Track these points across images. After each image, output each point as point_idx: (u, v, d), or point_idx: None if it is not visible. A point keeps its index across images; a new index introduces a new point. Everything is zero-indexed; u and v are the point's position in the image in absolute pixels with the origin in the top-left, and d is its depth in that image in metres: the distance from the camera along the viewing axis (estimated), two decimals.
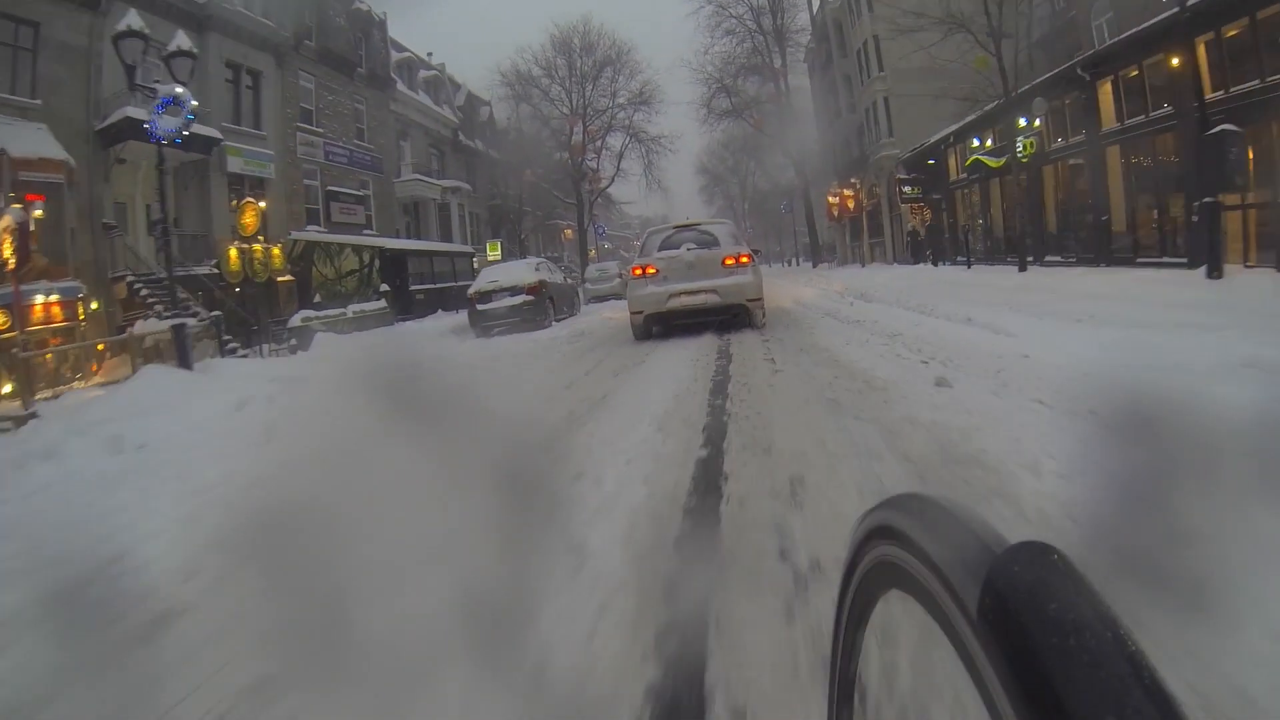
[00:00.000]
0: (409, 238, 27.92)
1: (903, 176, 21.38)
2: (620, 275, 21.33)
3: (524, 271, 13.43)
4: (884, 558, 0.51)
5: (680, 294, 7.92)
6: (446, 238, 30.63)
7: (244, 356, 14.94)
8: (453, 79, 35.25)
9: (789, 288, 14.82)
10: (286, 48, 22.81)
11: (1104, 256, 12.61)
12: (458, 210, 31.06)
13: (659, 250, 8.44)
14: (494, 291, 12.82)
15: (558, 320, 13.69)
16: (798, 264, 36.69)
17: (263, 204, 16.62)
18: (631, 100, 32.30)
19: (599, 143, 32.68)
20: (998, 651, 0.35)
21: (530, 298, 12.64)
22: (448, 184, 29.81)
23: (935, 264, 16.81)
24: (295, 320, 15.49)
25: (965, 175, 18.45)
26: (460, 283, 24.72)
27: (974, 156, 16.97)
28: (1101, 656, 0.33)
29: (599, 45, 32.29)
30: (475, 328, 12.70)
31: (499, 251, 27.39)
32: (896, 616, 0.54)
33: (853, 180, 28.41)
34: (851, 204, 27.89)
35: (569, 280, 16.37)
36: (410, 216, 29.66)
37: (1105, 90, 12.74)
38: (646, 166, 32.97)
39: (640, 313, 8.22)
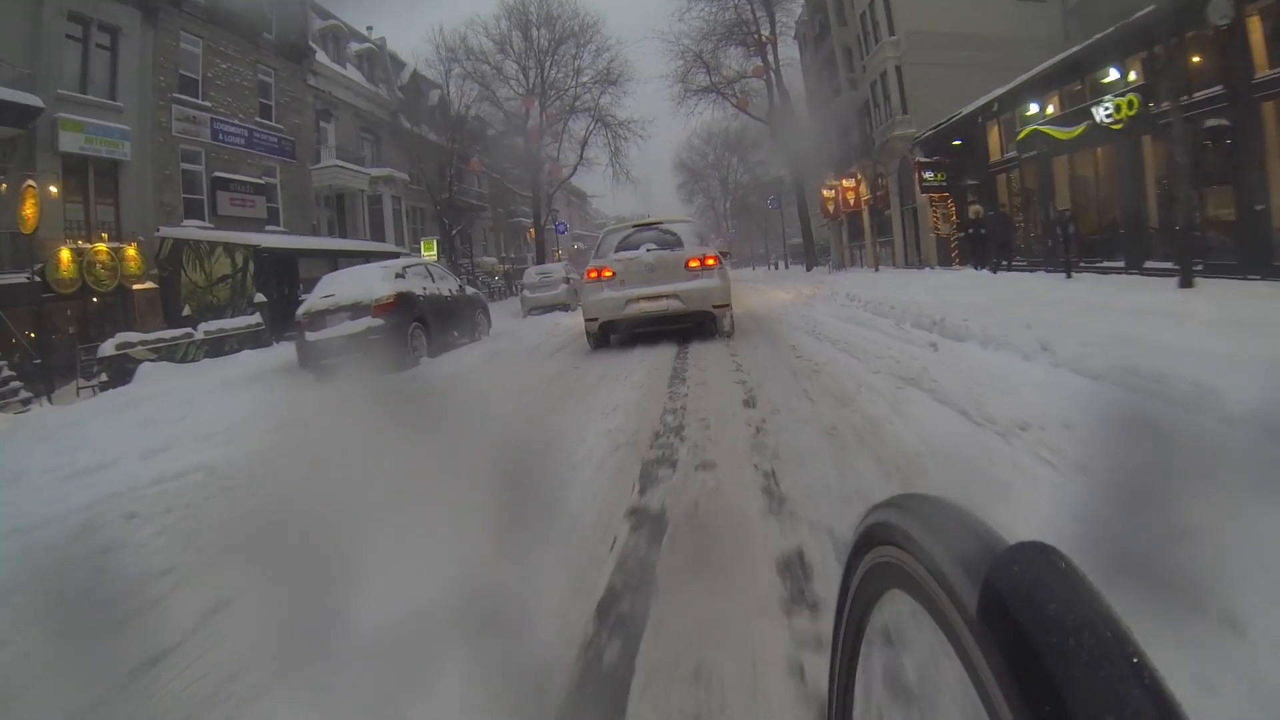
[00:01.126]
0: (329, 235, 23.44)
1: (923, 160, 17.30)
2: (569, 280, 17.07)
3: (374, 281, 8.97)
4: (884, 558, 0.51)
5: (639, 299, 7.44)
6: (378, 236, 26.10)
7: (24, 408, 10.49)
8: (394, 55, 30.69)
9: (792, 313, 10.49)
10: (160, 1, 18.27)
11: (1260, 264, 8.52)
12: (392, 204, 26.55)
13: (616, 251, 7.92)
14: (328, 312, 8.58)
15: (442, 352, 9.42)
16: (786, 267, 32.47)
17: (53, 189, 12.03)
18: (597, 79, 28.06)
19: (560, 127, 28.35)
20: (997, 652, 0.35)
21: (377, 321, 8.35)
22: (379, 173, 25.29)
23: (994, 269, 12.64)
24: (108, 348, 11.01)
25: (1015, 154, 14.33)
26: None
27: (1031, 127, 12.89)
28: (1101, 657, 0.33)
29: (560, 16, 28.02)
30: (305, 365, 8.52)
31: (434, 251, 22.99)
32: (896, 617, 0.55)
33: (853, 171, 24.36)
34: (851, 197, 23.86)
35: (468, 291, 11.61)
36: (332, 210, 25.13)
37: (1255, 25, 8.69)
38: (613, 154, 28.76)
39: (595, 320, 7.71)
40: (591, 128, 28.49)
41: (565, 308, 16.40)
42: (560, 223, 35.60)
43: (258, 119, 21.30)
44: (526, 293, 17.47)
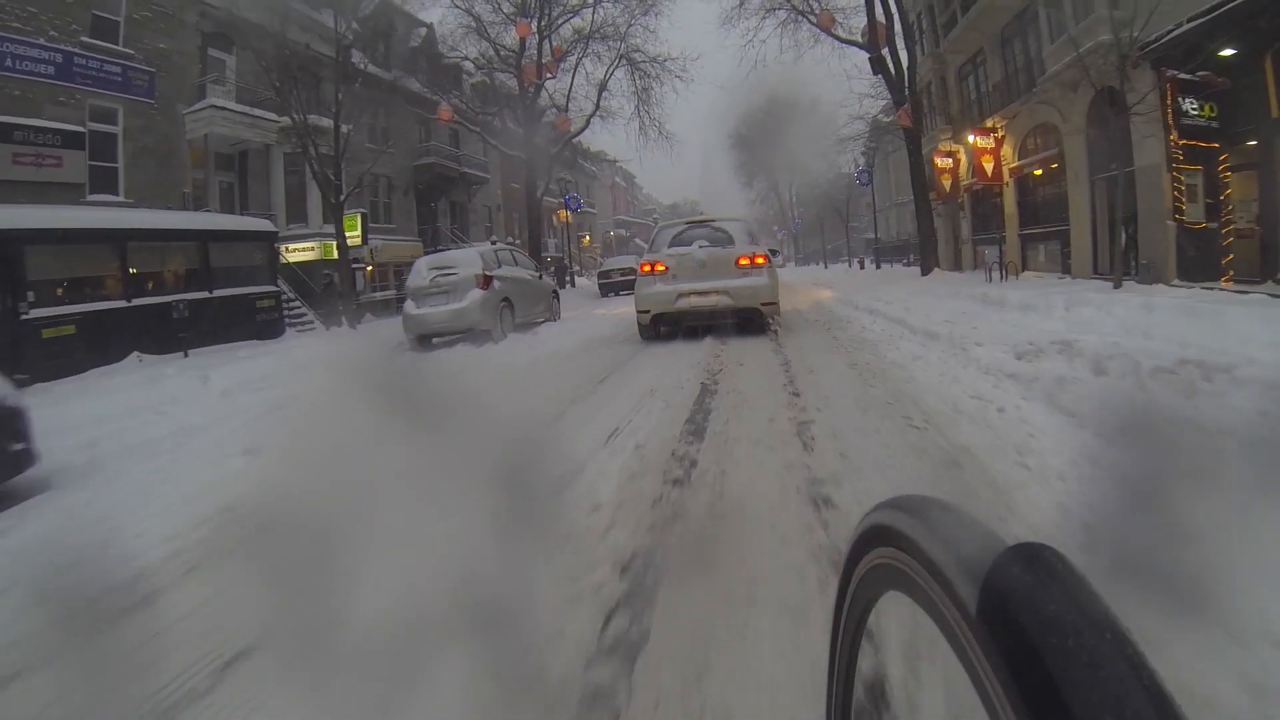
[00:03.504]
0: (212, 209, 16.55)
1: (1188, 77, 8.61)
2: (498, 281, 10.44)
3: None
4: (883, 559, 0.51)
5: (690, 294, 7.68)
6: (298, 211, 19.06)
7: None
8: None
9: None
10: None
11: None
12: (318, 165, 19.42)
13: (669, 246, 8.16)
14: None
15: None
16: (876, 267, 23.58)
17: None
18: None
19: (573, 59, 20.44)
20: (997, 652, 0.35)
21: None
22: (286, 122, 18.04)
23: None
24: None
25: None
26: (234, 290, 13.33)
27: None
28: (1100, 657, 0.33)
29: None
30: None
31: (358, 230, 15.68)
32: (896, 618, 0.55)
33: (991, 124, 15.45)
34: (989, 164, 15.04)
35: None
36: (233, 174, 18.20)
37: None
38: (640, 99, 20.73)
39: (647, 312, 8.02)
40: (614, 65, 20.54)
41: (484, 335, 9.59)
42: (572, 195, 27.79)
43: (86, 39, 14.35)
44: (411, 307, 10.05)
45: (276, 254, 13.86)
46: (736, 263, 7.66)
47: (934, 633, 0.42)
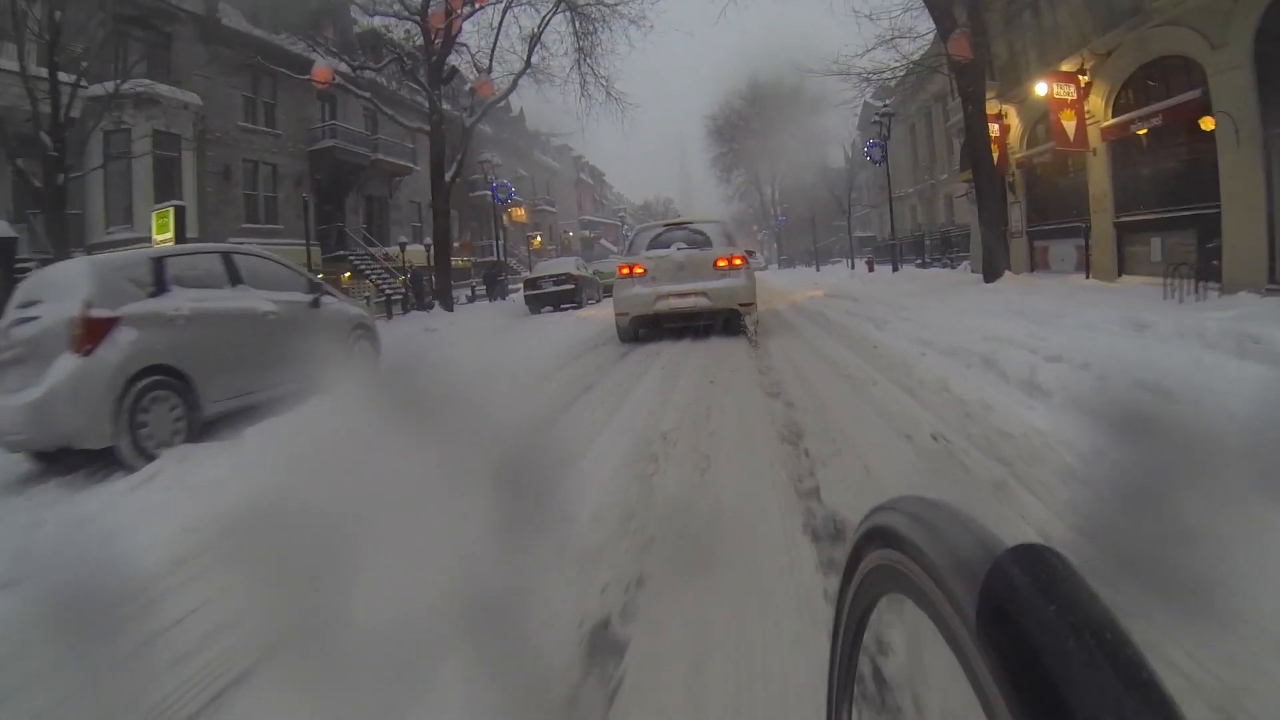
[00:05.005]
0: None
1: None
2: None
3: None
4: (882, 561, 0.51)
5: (669, 296, 7.68)
6: (122, 212, 14.15)
7: None
8: None
9: None
10: None
11: None
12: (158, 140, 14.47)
13: (648, 249, 8.14)
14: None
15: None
16: (894, 269, 18.87)
17: None
18: None
19: (499, 4, 15.69)
20: (996, 654, 0.35)
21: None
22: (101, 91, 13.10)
23: None
24: None
25: None
26: None
27: None
28: (1100, 660, 0.32)
29: None
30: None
31: (169, 227, 10.88)
32: (895, 620, 0.53)
33: (1072, 66, 10.92)
34: (1070, 123, 10.60)
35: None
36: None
37: None
38: (582, 52, 16.05)
39: (626, 314, 7.94)
40: (551, 12, 15.80)
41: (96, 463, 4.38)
42: (501, 183, 23.01)
43: None
44: None
45: (11, 269, 9.00)
46: (714, 264, 7.75)
47: (934, 634, 0.41)
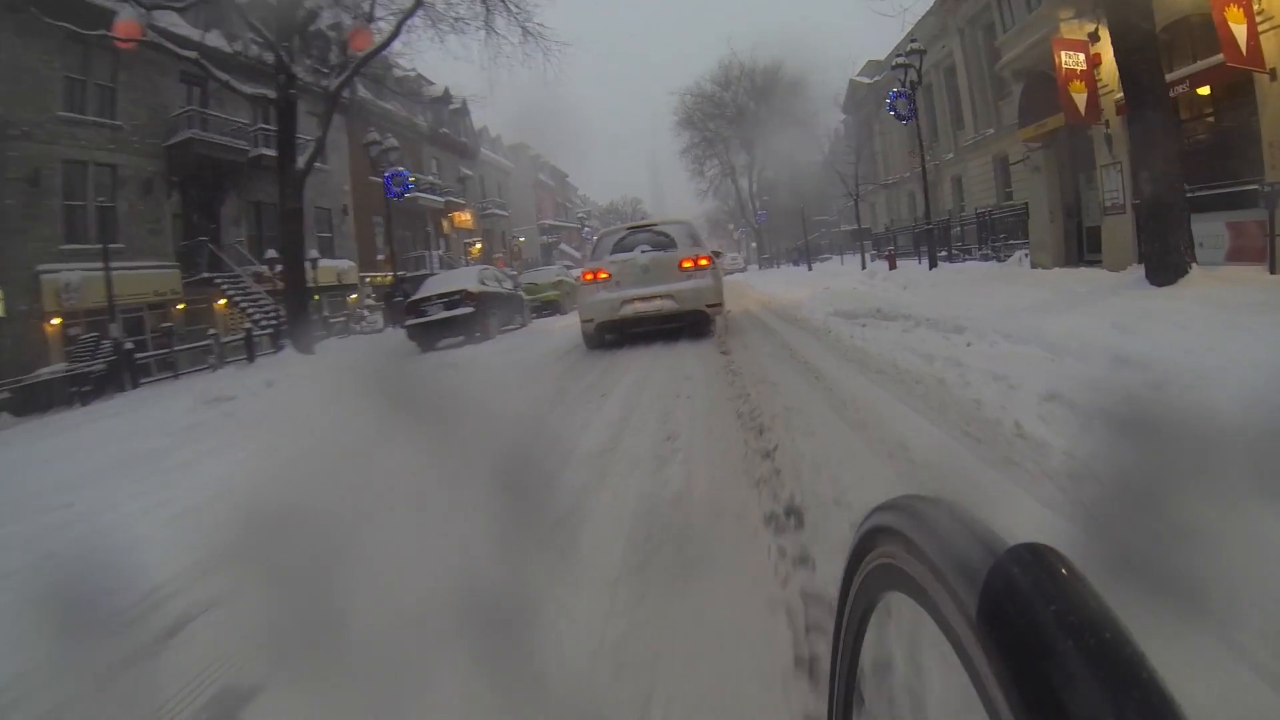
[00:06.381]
0: None
1: None
2: None
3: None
4: (884, 560, 0.51)
5: (634, 300, 7.56)
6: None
7: None
8: None
9: None
10: None
11: None
12: None
13: (611, 253, 8.04)
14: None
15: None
16: (928, 266, 14.30)
17: None
18: None
19: None
20: (997, 654, 0.35)
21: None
22: None
23: None
24: None
25: None
26: None
27: None
28: (1101, 659, 0.33)
29: None
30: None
31: None
32: (896, 619, 0.55)
33: (1093, 34, 7.13)
34: (1079, 93, 6.73)
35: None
36: None
37: None
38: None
39: (591, 320, 7.81)
40: None
41: None
42: (396, 172, 18.68)
43: None
44: None
45: None
46: (680, 266, 7.65)
47: (935, 633, 0.41)
